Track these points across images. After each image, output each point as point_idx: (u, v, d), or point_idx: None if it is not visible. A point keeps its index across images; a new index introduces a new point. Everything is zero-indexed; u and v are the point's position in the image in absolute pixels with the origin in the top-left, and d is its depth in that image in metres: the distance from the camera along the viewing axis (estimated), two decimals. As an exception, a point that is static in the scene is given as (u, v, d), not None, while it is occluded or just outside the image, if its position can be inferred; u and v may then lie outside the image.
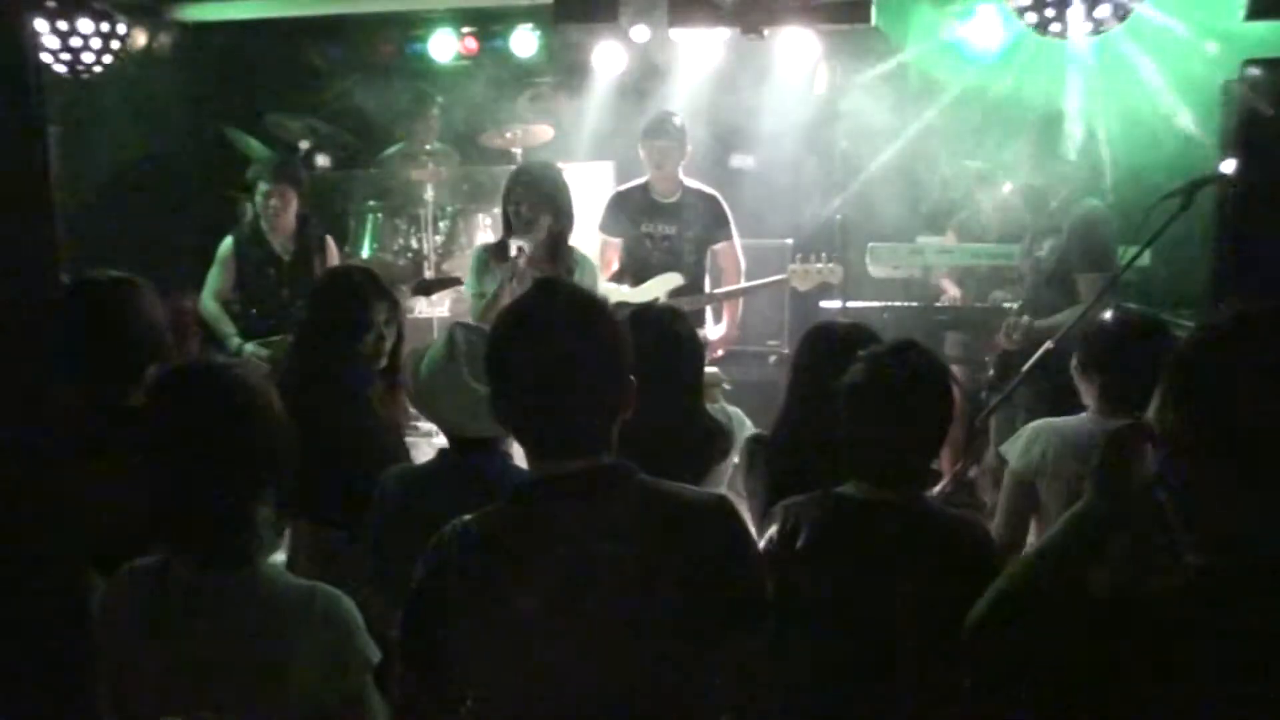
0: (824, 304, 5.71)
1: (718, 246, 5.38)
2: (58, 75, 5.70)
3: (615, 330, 1.80)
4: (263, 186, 5.21)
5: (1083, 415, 3.08)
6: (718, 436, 2.95)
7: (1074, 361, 3.16)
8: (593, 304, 1.82)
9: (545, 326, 1.77)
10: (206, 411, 1.91)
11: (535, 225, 4.38)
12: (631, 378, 1.81)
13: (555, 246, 4.46)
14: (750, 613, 1.79)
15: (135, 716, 1.89)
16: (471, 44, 7.03)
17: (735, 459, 3.04)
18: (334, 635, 1.88)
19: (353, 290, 3.27)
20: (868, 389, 2.29)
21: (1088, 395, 3.11)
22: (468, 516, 1.82)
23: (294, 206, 5.29)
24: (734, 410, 3.27)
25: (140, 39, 6.10)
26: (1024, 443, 3.05)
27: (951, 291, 5.77)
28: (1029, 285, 4.67)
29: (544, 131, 7.06)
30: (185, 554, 1.91)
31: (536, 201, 4.40)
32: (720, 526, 1.78)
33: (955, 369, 5.14)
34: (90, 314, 2.70)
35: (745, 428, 3.18)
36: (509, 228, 4.45)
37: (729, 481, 3.06)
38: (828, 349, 2.78)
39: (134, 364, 2.66)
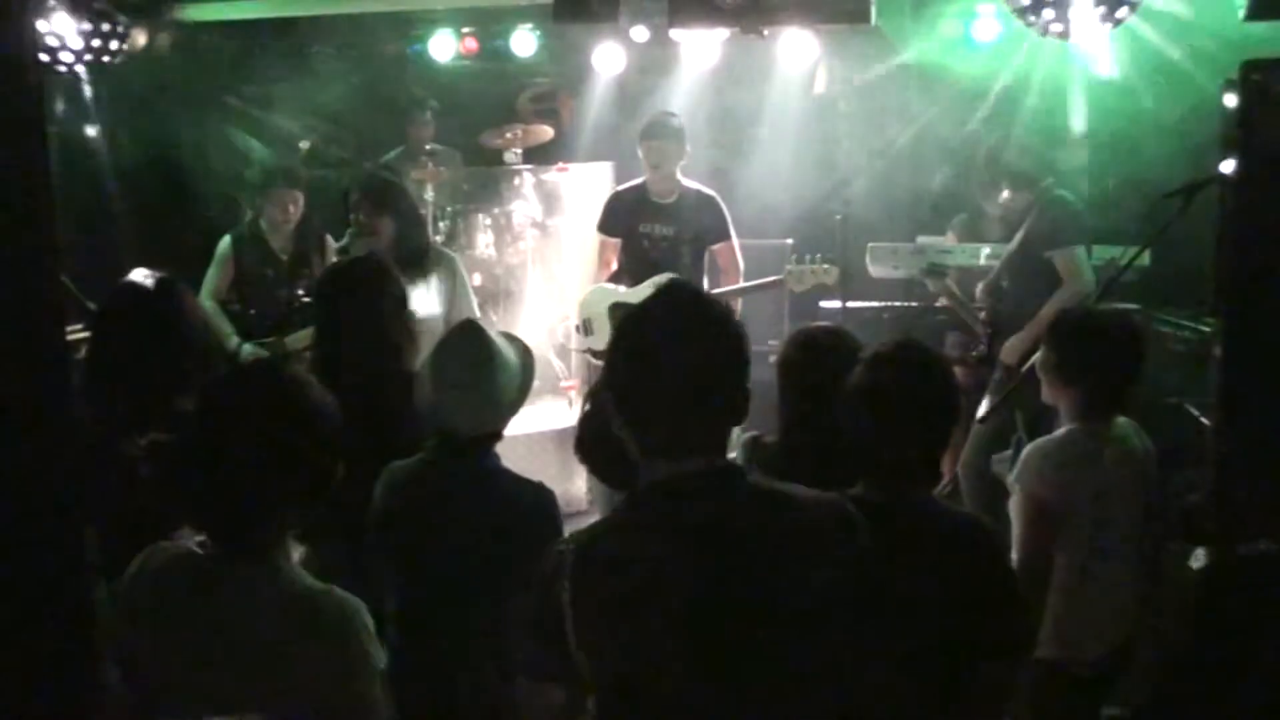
0: (824, 304, 5.70)
1: (716, 247, 5.37)
2: (58, 75, 5.69)
3: (739, 331, 1.83)
4: (277, 194, 5.21)
5: (1070, 429, 3.07)
6: None
7: (1044, 359, 3.15)
8: (720, 307, 1.85)
9: (685, 327, 1.78)
10: (266, 410, 1.94)
11: (376, 230, 4.40)
12: (749, 385, 1.84)
13: (405, 250, 4.44)
14: (858, 608, 1.81)
15: (144, 694, 1.93)
16: (471, 44, 7.02)
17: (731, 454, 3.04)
18: (341, 639, 1.90)
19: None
20: (873, 390, 2.29)
21: (1062, 398, 3.10)
22: (585, 527, 1.87)
23: (302, 208, 5.31)
24: None
25: (140, 39, 6.09)
26: (1036, 464, 3.00)
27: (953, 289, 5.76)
28: (1005, 278, 4.76)
29: (544, 131, 7.06)
30: (210, 542, 1.94)
31: (374, 208, 4.42)
32: (838, 527, 1.81)
33: (955, 369, 5.16)
34: (144, 317, 2.75)
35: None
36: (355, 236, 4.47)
37: None
38: (810, 355, 2.79)
39: (187, 368, 2.69)
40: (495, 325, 5.34)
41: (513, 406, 2.74)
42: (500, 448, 2.77)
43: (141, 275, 2.86)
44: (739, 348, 1.81)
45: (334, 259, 5.47)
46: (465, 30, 7.04)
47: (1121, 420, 3.11)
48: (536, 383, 6.46)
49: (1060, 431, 3.10)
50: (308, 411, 1.97)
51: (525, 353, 2.85)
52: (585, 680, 1.78)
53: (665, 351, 1.76)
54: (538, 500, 2.62)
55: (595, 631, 1.74)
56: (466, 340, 2.69)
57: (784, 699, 1.74)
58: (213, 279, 5.28)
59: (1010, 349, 4.70)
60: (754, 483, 1.82)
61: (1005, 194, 4.88)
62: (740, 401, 1.81)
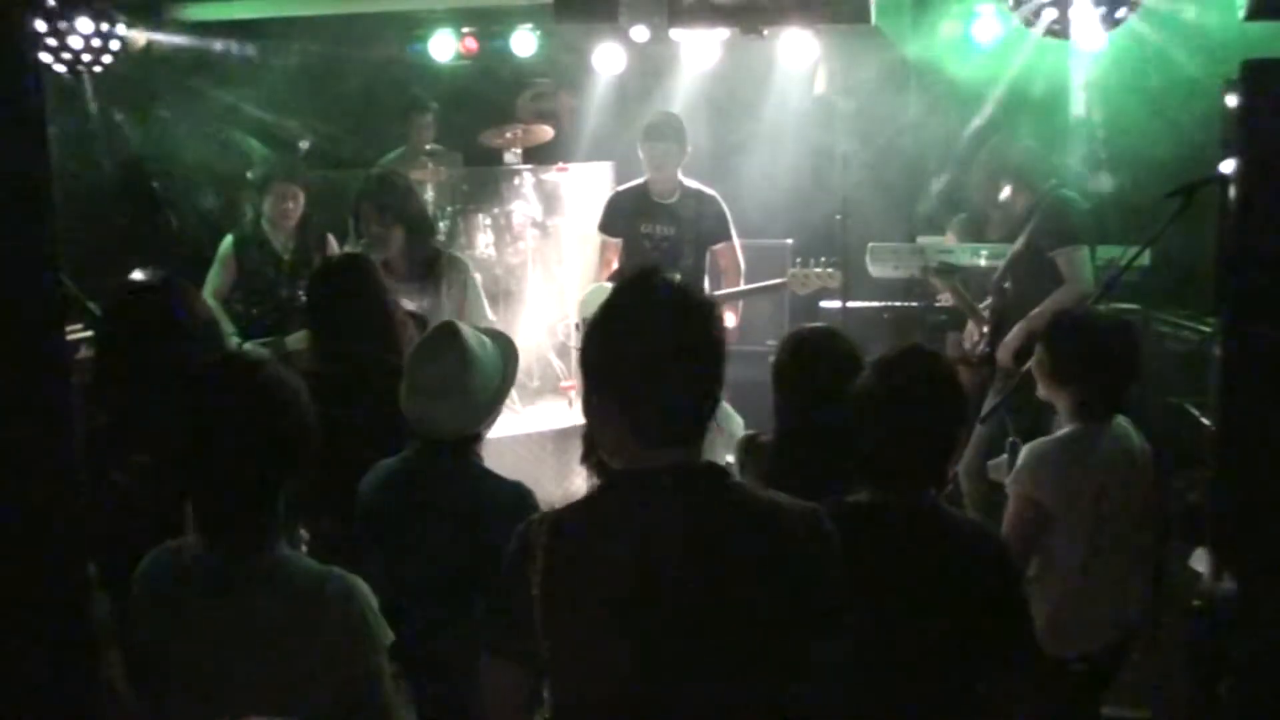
0: (824, 304, 5.70)
1: (717, 247, 5.38)
2: (57, 75, 5.69)
3: (715, 322, 1.81)
4: (277, 187, 5.21)
5: (1067, 429, 3.07)
6: None
7: (1039, 359, 3.15)
8: (693, 294, 1.83)
9: (650, 315, 1.77)
10: (240, 402, 1.96)
11: (387, 240, 4.36)
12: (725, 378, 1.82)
13: (416, 256, 4.43)
14: (829, 622, 1.78)
15: (157, 696, 1.94)
16: (471, 44, 7.02)
17: (729, 457, 3.04)
18: (348, 618, 1.93)
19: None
20: (882, 396, 2.28)
21: (1059, 399, 3.11)
22: (557, 506, 1.84)
23: (302, 205, 5.31)
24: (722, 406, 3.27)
25: (140, 39, 6.10)
26: (1032, 467, 3.02)
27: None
28: (1009, 278, 4.75)
29: (544, 131, 7.05)
30: (210, 539, 1.96)
31: (384, 216, 4.38)
32: (811, 535, 1.78)
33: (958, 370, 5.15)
34: (149, 315, 2.76)
35: (733, 422, 3.20)
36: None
37: None
38: (805, 358, 2.79)
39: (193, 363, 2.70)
40: (495, 324, 5.34)
41: (491, 407, 2.74)
42: (500, 447, 2.78)
43: (144, 275, 2.88)
44: (720, 336, 1.80)
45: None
46: (465, 30, 7.04)
47: (1119, 419, 3.12)
48: (535, 383, 6.50)
49: (1059, 433, 3.10)
50: (285, 398, 1.99)
51: (507, 347, 2.86)
52: (542, 661, 1.77)
53: (643, 340, 1.75)
54: (517, 500, 2.63)
55: (559, 614, 1.73)
56: (440, 347, 2.70)
57: (736, 701, 1.72)
58: (214, 278, 5.27)
59: (1004, 348, 4.71)
60: (731, 484, 1.80)
61: (1006, 193, 4.88)
62: (715, 389, 1.80)
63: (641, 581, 1.71)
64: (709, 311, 1.81)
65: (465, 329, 2.76)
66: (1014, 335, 4.65)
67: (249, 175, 5.39)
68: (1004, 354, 4.70)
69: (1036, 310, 4.56)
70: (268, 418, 1.95)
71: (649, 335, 1.76)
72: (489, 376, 2.71)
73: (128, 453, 2.57)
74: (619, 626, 1.71)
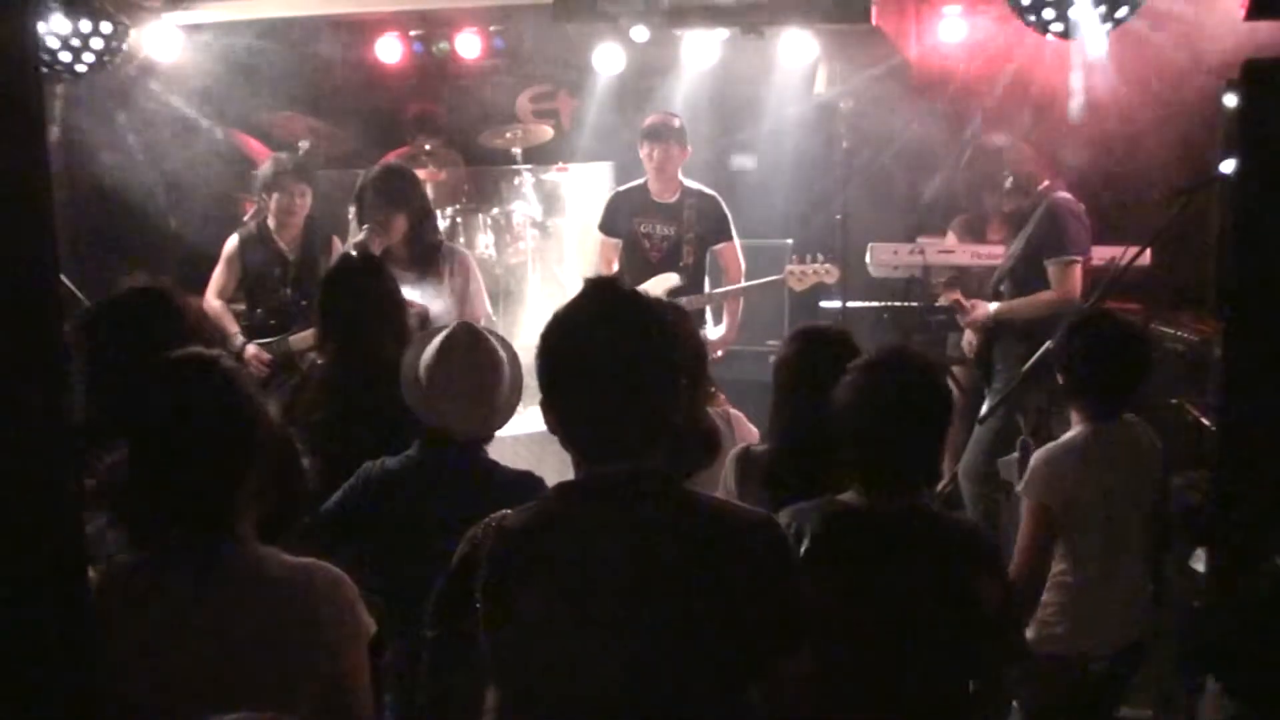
0: (824, 304, 5.70)
1: (718, 247, 5.38)
2: (58, 75, 5.69)
3: (665, 332, 1.78)
4: (285, 184, 5.20)
5: (1076, 431, 3.08)
6: (708, 440, 2.93)
7: (1054, 359, 3.18)
8: (642, 306, 1.80)
9: (594, 329, 1.74)
10: (190, 401, 1.95)
11: (390, 227, 4.43)
12: (684, 380, 1.80)
13: (418, 245, 4.50)
14: (787, 633, 1.76)
15: (142, 702, 1.93)
16: (473, 44, 7.02)
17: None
18: (332, 609, 1.91)
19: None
20: (867, 399, 2.27)
21: (1071, 399, 3.13)
22: (507, 511, 1.84)
23: (308, 205, 5.30)
24: (736, 413, 3.26)
25: (140, 39, 6.09)
26: (1044, 474, 3.02)
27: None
28: (1006, 281, 4.76)
29: (544, 131, 7.06)
30: (180, 538, 1.94)
31: (387, 204, 4.44)
32: (762, 545, 1.76)
33: (955, 369, 5.15)
34: (128, 332, 2.72)
35: (743, 428, 3.19)
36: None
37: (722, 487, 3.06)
38: (814, 352, 2.78)
39: None
40: (496, 324, 5.33)
41: (512, 409, 2.75)
42: (501, 447, 2.78)
43: (128, 284, 2.85)
44: (664, 348, 1.77)
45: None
46: (467, 30, 7.04)
47: (1129, 418, 3.13)
48: (536, 383, 6.48)
49: (1067, 435, 3.11)
50: (236, 394, 1.98)
51: (509, 350, 2.86)
52: (487, 667, 1.77)
53: (586, 354, 1.73)
54: (530, 489, 2.62)
55: (499, 616, 1.73)
56: (470, 349, 2.69)
57: (679, 704, 1.71)
58: (219, 278, 5.28)
59: (979, 306, 4.76)
60: (680, 490, 1.79)
61: (1004, 195, 4.87)
62: (668, 400, 1.77)
63: (576, 588, 1.70)
64: (658, 327, 1.77)
65: (488, 332, 2.77)
66: (992, 311, 4.71)
67: (255, 174, 5.38)
68: (980, 311, 4.75)
69: (1015, 302, 4.60)
70: (219, 415, 1.94)
71: (585, 353, 1.74)
72: (511, 381, 2.73)
73: (102, 455, 2.55)
74: (555, 631, 1.71)
